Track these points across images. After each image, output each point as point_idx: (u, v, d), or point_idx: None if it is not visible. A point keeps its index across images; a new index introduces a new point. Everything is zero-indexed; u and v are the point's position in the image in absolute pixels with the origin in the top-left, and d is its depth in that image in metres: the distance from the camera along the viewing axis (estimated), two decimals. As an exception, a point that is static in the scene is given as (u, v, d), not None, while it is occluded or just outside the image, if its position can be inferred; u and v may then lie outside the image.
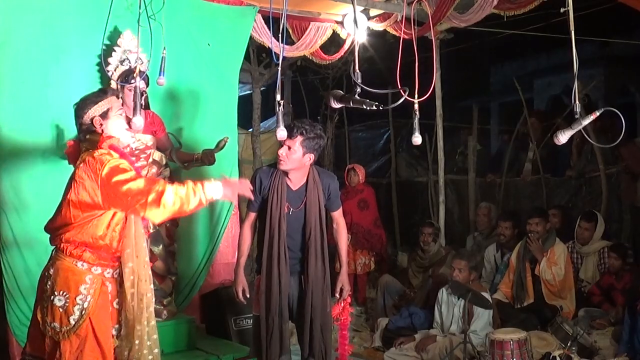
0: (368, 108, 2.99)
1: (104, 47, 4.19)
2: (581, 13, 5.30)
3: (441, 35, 6.18)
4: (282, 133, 3.36)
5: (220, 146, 4.48)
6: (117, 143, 3.05)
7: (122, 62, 4.29)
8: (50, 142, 4.25)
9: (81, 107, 3.05)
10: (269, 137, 9.64)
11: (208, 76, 5.02)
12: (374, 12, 5.76)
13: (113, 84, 4.22)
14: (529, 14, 5.39)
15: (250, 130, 9.02)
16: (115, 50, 4.28)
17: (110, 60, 4.23)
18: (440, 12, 5.33)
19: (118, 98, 3.98)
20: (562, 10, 3.47)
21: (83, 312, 2.89)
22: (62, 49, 4.24)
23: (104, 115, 3.04)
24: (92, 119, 3.02)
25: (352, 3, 3.40)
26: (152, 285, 3.15)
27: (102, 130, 3.04)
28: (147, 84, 4.25)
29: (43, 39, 4.17)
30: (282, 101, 3.28)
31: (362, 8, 5.45)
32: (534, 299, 5.45)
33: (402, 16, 5.30)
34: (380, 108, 2.95)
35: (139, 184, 2.87)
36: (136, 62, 4.09)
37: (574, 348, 4.60)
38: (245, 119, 7.81)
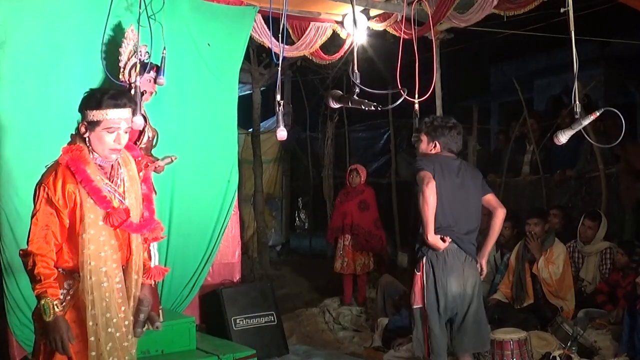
0: (367, 108, 2.99)
1: (104, 44, 4.19)
2: (581, 13, 5.30)
3: (441, 35, 6.18)
4: (282, 133, 3.37)
5: (165, 162, 4.15)
6: (83, 160, 2.71)
7: (134, 54, 4.21)
8: (51, 142, 4.25)
9: (84, 102, 2.77)
10: (269, 137, 9.66)
11: (208, 76, 5.02)
12: (374, 12, 5.77)
13: (122, 77, 4.18)
14: (529, 14, 5.39)
15: (250, 130, 9.04)
16: (123, 44, 4.20)
17: (121, 50, 4.19)
18: (440, 12, 5.33)
19: (130, 90, 3.99)
20: (562, 10, 3.48)
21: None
22: (62, 49, 4.23)
23: (92, 126, 2.71)
24: (80, 123, 2.77)
25: (352, 3, 3.41)
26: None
27: (86, 139, 2.75)
28: (157, 77, 4.15)
29: (43, 38, 4.17)
30: (282, 101, 3.29)
31: (362, 8, 5.46)
32: (534, 299, 5.45)
33: (402, 16, 5.30)
34: (379, 109, 2.95)
35: (33, 228, 2.66)
36: (136, 61, 4.10)
37: (574, 348, 4.61)
38: (245, 119, 7.82)
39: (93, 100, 2.72)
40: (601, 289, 5.48)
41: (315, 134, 10.87)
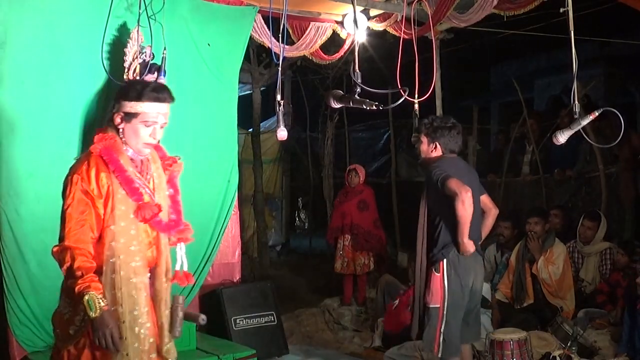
0: (368, 108, 3.00)
1: (106, 44, 4.19)
2: (581, 13, 5.31)
3: (441, 35, 6.18)
4: (282, 133, 3.37)
5: None
6: (116, 149, 2.62)
7: (139, 55, 4.20)
8: (51, 142, 4.25)
9: (123, 92, 2.66)
10: (269, 137, 9.66)
11: (208, 76, 5.01)
12: (374, 12, 5.76)
13: (127, 77, 4.17)
14: (529, 14, 5.39)
15: (250, 130, 9.04)
16: (128, 45, 4.20)
17: (126, 50, 4.19)
18: (440, 12, 5.32)
19: None
20: (561, 10, 3.49)
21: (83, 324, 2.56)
22: (63, 49, 4.23)
23: (129, 117, 2.63)
24: (115, 112, 2.66)
25: (352, 3, 3.41)
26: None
27: (120, 130, 2.66)
28: (157, 77, 4.16)
29: (44, 38, 4.16)
30: (282, 101, 3.30)
31: (362, 8, 5.45)
32: (534, 299, 5.45)
33: (402, 16, 5.30)
34: (380, 108, 2.96)
35: (67, 222, 2.54)
36: (136, 59, 4.10)
37: (574, 348, 4.61)
38: (245, 119, 7.81)
39: (133, 91, 2.62)
40: (601, 289, 5.48)
41: (315, 134, 10.87)
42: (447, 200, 3.78)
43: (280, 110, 3.46)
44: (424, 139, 4.03)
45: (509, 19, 5.48)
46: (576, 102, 3.29)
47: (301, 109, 10.83)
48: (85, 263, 2.48)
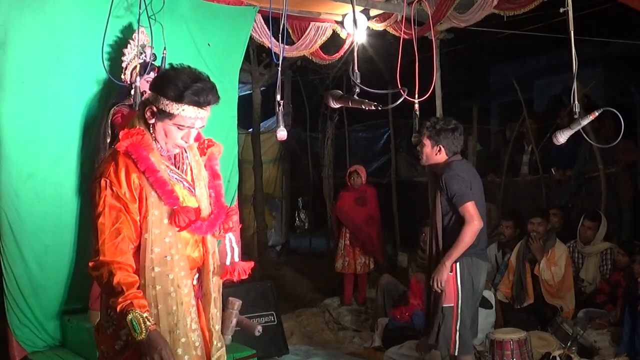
0: (367, 108, 2.99)
1: (108, 44, 4.19)
2: (581, 13, 5.30)
3: (441, 35, 6.18)
4: (282, 133, 3.37)
5: None
6: (146, 146, 2.32)
7: (139, 55, 4.18)
8: (51, 142, 4.26)
9: (161, 86, 2.33)
10: (269, 137, 9.66)
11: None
12: (374, 12, 5.76)
13: (125, 77, 4.17)
14: (529, 14, 5.39)
15: (250, 130, 9.04)
16: (129, 45, 4.20)
17: (125, 50, 4.19)
18: (440, 12, 5.32)
19: (131, 92, 3.98)
20: (561, 10, 3.48)
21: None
22: (63, 49, 4.23)
23: (163, 115, 2.32)
24: (148, 104, 2.35)
25: (352, 3, 3.41)
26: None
27: (150, 125, 2.36)
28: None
29: (44, 39, 4.16)
30: (282, 101, 3.29)
31: (362, 8, 5.45)
32: (534, 299, 5.45)
33: (402, 16, 5.30)
34: (379, 108, 2.95)
35: (100, 234, 2.25)
36: (135, 59, 4.10)
37: (574, 348, 4.61)
38: (245, 119, 7.81)
39: (173, 89, 2.27)
40: (602, 288, 5.48)
41: (315, 134, 10.87)
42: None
43: (280, 110, 3.45)
44: (427, 142, 4.05)
45: (509, 19, 5.48)
46: (576, 102, 3.29)
47: (301, 109, 10.83)
48: (127, 278, 2.19)
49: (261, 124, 8.90)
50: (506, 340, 4.31)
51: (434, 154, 4.05)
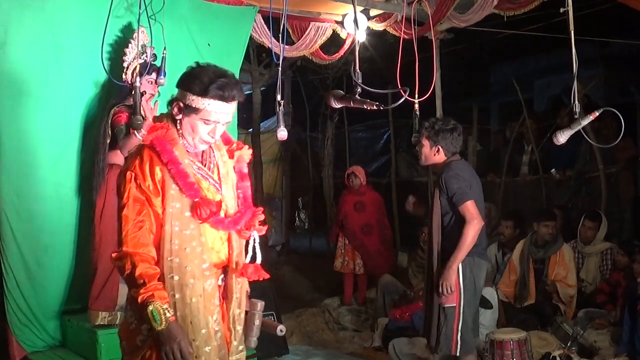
0: (368, 108, 2.99)
1: (108, 44, 4.19)
2: (581, 13, 5.31)
3: (441, 35, 6.18)
4: (282, 133, 3.37)
5: None
6: (170, 139, 2.35)
7: (140, 55, 4.15)
8: (51, 142, 4.25)
9: (186, 82, 2.37)
10: (269, 137, 9.66)
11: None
12: (374, 12, 5.76)
13: (127, 77, 4.16)
14: (529, 14, 5.39)
15: (250, 130, 9.04)
16: (130, 45, 4.19)
17: (126, 50, 4.18)
18: (440, 12, 5.33)
19: (131, 93, 3.97)
20: (561, 10, 3.48)
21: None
22: (63, 49, 4.23)
23: (189, 111, 2.35)
24: (175, 100, 2.39)
25: (352, 3, 3.40)
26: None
27: (177, 121, 2.39)
28: (157, 77, 4.15)
29: (44, 38, 4.17)
30: (282, 101, 3.29)
31: (362, 8, 5.45)
32: (535, 299, 5.45)
33: (402, 16, 5.30)
34: (381, 108, 2.95)
35: (124, 225, 2.29)
36: (136, 59, 4.10)
37: (574, 348, 4.61)
38: (245, 119, 7.83)
39: (198, 84, 2.32)
40: (602, 288, 5.48)
41: (315, 134, 10.87)
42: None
43: (280, 110, 3.46)
44: (426, 143, 4.05)
45: (509, 19, 5.48)
46: (576, 102, 3.29)
47: (301, 109, 10.83)
48: (148, 270, 2.24)
49: (261, 124, 8.90)
50: (506, 340, 4.31)
51: (433, 154, 4.06)
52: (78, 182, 4.34)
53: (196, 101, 2.33)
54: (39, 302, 4.26)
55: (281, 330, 2.56)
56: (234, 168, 2.57)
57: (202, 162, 2.45)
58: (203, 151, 2.46)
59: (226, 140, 2.58)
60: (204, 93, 2.32)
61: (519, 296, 5.48)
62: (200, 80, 2.33)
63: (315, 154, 10.89)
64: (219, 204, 2.38)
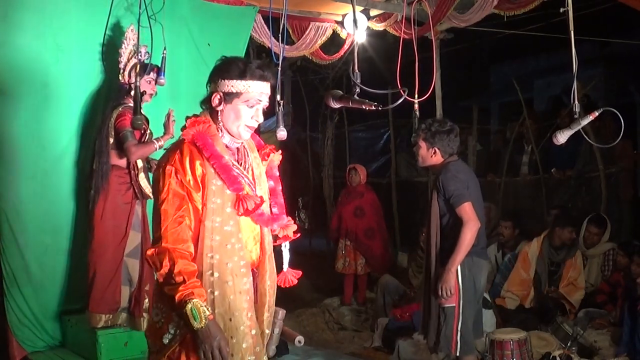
0: (367, 108, 2.98)
1: (105, 44, 4.19)
2: (581, 13, 5.30)
3: (441, 35, 6.18)
4: (282, 133, 3.36)
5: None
6: (211, 135, 2.33)
7: (134, 55, 4.13)
8: (51, 142, 4.26)
9: (221, 70, 2.37)
10: (269, 137, 9.65)
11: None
12: (374, 12, 5.77)
13: (122, 78, 4.15)
14: (529, 14, 5.39)
15: (250, 130, 9.02)
16: (123, 45, 4.16)
17: (120, 51, 4.15)
18: (440, 12, 5.33)
19: (130, 91, 3.98)
20: (561, 10, 3.47)
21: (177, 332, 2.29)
22: (62, 49, 4.24)
23: (230, 97, 2.34)
24: (212, 93, 2.37)
25: (352, 3, 3.40)
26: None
27: (218, 112, 2.37)
28: (157, 77, 4.16)
29: (43, 38, 4.17)
30: (282, 101, 3.28)
31: (362, 8, 5.46)
32: (535, 299, 5.46)
33: (402, 16, 5.30)
34: (380, 108, 2.95)
35: (163, 220, 2.24)
36: (136, 61, 4.10)
37: (574, 348, 4.61)
38: (245, 119, 7.76)
39: (235, 69, 2.32)
40: (602, 288, 5.48)
41: (315, 134, 10.87)
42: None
43: (280, 110, 3.45)
44: (423, 145, 4.06)
45: (509, 19, 5.48)
46: (576, 102, 3.28)
47: (301, 109, 10.83)
48: (188, 267, 2.20)
49: (261, 124, 8.89)
50: (506, 340, 4.31)
51: (430, 156, 4.07)
52: (78, 183, 4.34)
53: (237, 85, 2.33)
54: (38, 302, 4.27)
55: (299, 341, 2.56)
56: (266, 173, 2.56)
57: (238, 162, 2.42)
58: (238, 150, 2.44)
59: (258, 145, 2.59)
60: (243, 75, 2.32)
61: (536, 295, 5.49)
62: (236, 65, 2.35)
63: (315, 154, 10.90)
64: (261, 199, 2.37)
